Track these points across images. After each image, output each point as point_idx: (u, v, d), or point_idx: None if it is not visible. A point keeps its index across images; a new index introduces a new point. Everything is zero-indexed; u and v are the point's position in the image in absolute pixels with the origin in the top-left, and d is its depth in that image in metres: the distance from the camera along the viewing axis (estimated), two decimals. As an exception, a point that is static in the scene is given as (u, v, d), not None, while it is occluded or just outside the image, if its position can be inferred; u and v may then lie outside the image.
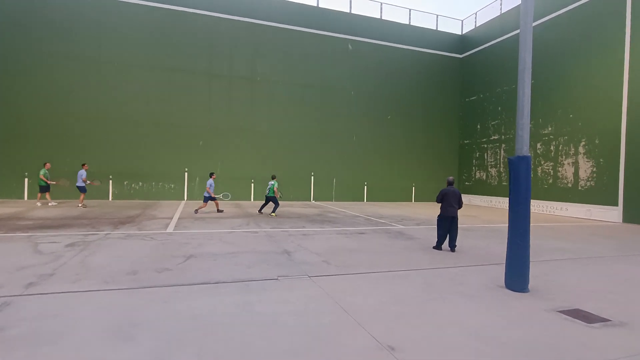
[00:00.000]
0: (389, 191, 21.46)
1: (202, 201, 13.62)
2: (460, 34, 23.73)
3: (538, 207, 17.24)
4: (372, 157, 21.16)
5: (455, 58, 23.32)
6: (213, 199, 12.37)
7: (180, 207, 14.23)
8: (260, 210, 13.13)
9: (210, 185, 12.26)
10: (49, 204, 13.43)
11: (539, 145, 17.58)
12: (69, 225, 9.09)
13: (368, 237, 8.89)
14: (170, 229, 9.01)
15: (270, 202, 12.86)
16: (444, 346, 3.25)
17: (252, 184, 18.61)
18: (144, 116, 17.19)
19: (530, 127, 17.77)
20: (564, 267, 6.45)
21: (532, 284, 5.09)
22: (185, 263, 5.75)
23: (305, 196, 19.80)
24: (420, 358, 3.02)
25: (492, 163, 20.59)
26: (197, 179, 17.92)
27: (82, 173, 13.23)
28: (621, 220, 13.84)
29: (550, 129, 17.07)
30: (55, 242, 6.93)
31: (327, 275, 5.35)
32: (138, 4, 17.07)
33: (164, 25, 17.46)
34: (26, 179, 15.53)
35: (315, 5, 20.27)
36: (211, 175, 12.66)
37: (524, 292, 4.87)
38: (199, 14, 18.02)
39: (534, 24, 17.73)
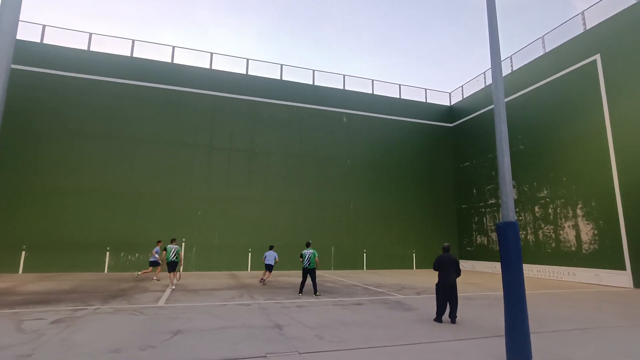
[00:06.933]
0: (389, 258, 21.01)
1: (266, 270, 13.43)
2: (449, 105, 25.37)
3: (544, 273, 16.71)
4: (371, 225, 21.13)
5: (446, 127, 24.59)
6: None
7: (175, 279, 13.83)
8: (301, 291, 10.38)
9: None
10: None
11: (537, 209, 17.64)
12: (59, 300, 8.83)
13: (365, 308, 8.54)
14: (161, 303, 8.72)
15: (309, 276, 10.40)
16: None
17: (250, 254, 18.34)
18: (145, 188, 17.62)
19: (526, 191, 18.06)
20: (571, 339, 6.10)
21: (536, 358, 4.80)
22: (172, 340, 5.50)
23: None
24: None
25: (492, 227, 20.45)
26: (194, 248, 17.74)
27: (157, 249, 13.82)
28: (632, 285, 13.27)
29: (545, 192, 17.28)
30: (41, 319, 6.69)
31: (319, 352, 5.08)
32: (146, 85, 18.64)
33: (169, 104, 18.82)
34: (23, 252, 15.42)
35: (312, 83, 22.05)
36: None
37: (527, 367, 4.57)
38: (202, 93, 19.55)
39: (520, 93, 19.08)
